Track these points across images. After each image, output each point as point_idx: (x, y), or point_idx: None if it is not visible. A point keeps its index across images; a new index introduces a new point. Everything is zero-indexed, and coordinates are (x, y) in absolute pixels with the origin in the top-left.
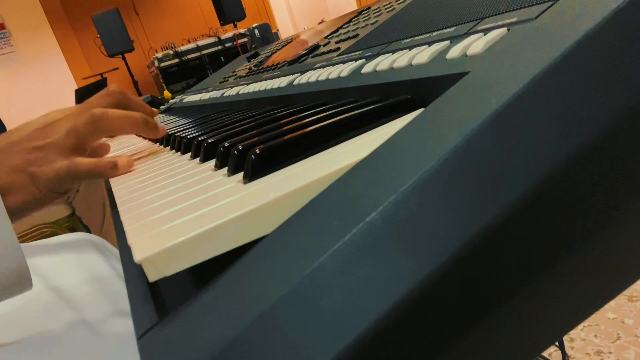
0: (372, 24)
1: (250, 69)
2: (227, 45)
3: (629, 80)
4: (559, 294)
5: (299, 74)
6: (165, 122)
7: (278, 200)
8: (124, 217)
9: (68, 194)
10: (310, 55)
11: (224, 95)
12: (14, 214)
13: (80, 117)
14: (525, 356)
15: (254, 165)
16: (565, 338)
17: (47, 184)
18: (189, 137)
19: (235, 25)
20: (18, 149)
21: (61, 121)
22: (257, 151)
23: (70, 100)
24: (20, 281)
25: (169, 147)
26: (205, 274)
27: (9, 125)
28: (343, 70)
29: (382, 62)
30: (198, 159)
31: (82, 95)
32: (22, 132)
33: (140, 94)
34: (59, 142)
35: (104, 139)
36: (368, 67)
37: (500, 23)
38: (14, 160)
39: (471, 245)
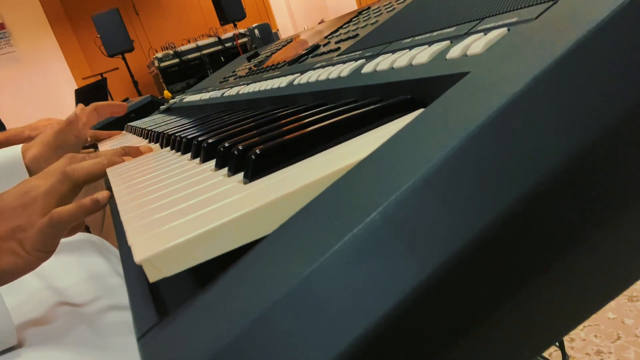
0: (372, 24)
1: (250, 69)
2: (227, 45)
3: (629, 80)
4: (559, 294)
5: (299, 74)
6: (165, 122)
7: (278, 200)
8: (124, 218)
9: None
10: (310, 55)
11: (224, 95)
12: (2, 278)
13: (52, 178)
14: (525, 356)
15: (254, 165)
16: (565, 338)
17: (34, 245)
18: (189, 137)
19: (235, 25)
20: (0, 218)
21: (37, 186)
22: (258, 151)
23: (70, 100)
24: (5, 341)
25: (169, 148)
26: (205, 274)
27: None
28: (343, 70)
29: (382, 62)
30: (198, 159)
31: (82, 95)
32: (1, 203)
33: (140, 94)
34: (39, 205)
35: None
36: (368, 67)
37: (500, 23)
38: None
39: (471, 246)
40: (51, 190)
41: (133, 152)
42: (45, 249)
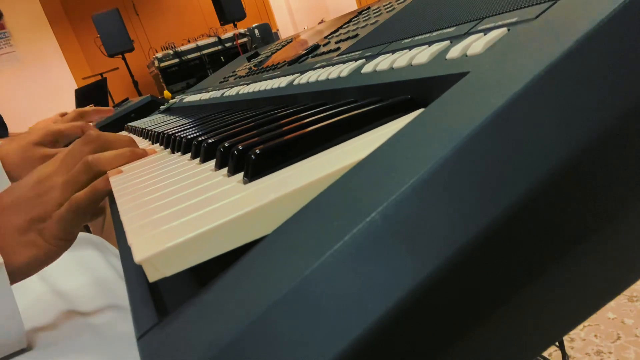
0: (372, 24)
1: (250, 69)
2: (227, 45)
3: (630, 80)
4: (559, 295)
5: (299, 74)
6: (165, 122)
7: (278, 200)
8: (124, 218)
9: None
10: (310, 55)
11: (224, 95)
12: (24, 272)
13: (73, 168)
14: (525, 356)
15: (254, 165)
16: (565, 338)
17: (55, 234)
18: (189, 137)
19: (235, 25)
20: (16, 210)
21: (53, 176)
22: (257, 151)
23: (71, 100)
24: (15, 344)
25: (169, 148)
26: (205, 274)
27: (9, 125)
28: (343, 70)
29: (382, 62)
30: (198, 159)
31: (82, 95)
32: (15, 194)
33: (140, 94)
34: (58, 196)
35: None
36: (368, 67)
37: (500, 23)
38: (15, 221)
39: (471, 246)
40: (71, 180)
41: (149, 152)
42: (66, 237)
